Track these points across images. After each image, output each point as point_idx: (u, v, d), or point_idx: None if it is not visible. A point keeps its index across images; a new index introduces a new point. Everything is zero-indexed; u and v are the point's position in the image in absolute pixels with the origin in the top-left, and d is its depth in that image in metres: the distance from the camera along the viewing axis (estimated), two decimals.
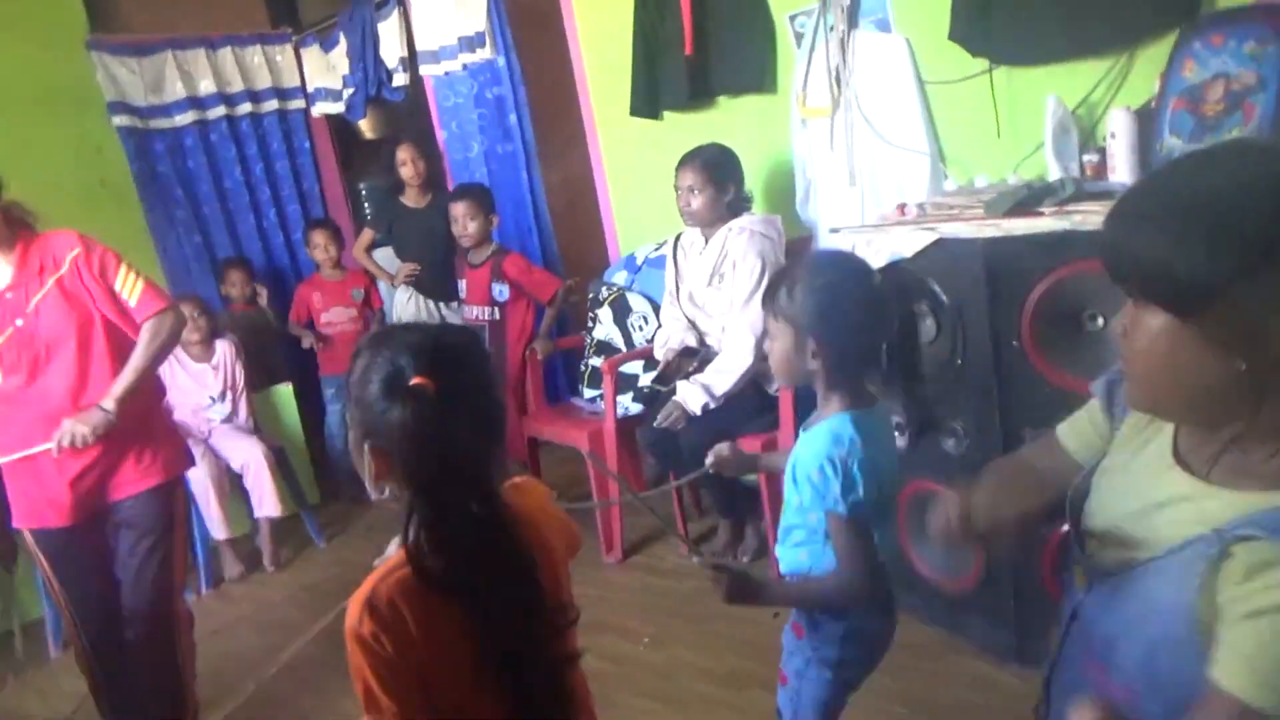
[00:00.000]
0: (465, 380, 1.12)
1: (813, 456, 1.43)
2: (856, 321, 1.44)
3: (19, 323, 2.14)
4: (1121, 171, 2.21)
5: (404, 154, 4.09)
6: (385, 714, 1.13)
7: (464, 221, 3.62)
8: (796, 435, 2.79)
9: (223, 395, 3.80)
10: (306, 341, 4.25)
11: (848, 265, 1.55)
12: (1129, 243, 0.83)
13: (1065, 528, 1.05)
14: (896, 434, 2.33)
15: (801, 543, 1.51)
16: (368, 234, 4.39)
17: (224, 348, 3.83)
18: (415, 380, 1.07)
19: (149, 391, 2.31)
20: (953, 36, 2.52)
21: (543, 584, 1.17)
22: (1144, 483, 0.94)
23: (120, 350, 2.24)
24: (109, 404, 2.16)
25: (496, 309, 3.73)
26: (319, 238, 4.30)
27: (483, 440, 1.14)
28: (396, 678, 1.11)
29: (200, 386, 3.77)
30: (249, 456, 3.64)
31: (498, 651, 1.12)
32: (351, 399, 1.14)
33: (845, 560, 1.43)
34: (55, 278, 2.15)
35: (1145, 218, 0.83)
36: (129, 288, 2.20)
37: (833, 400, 1.48)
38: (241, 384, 3.84)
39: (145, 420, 2.29)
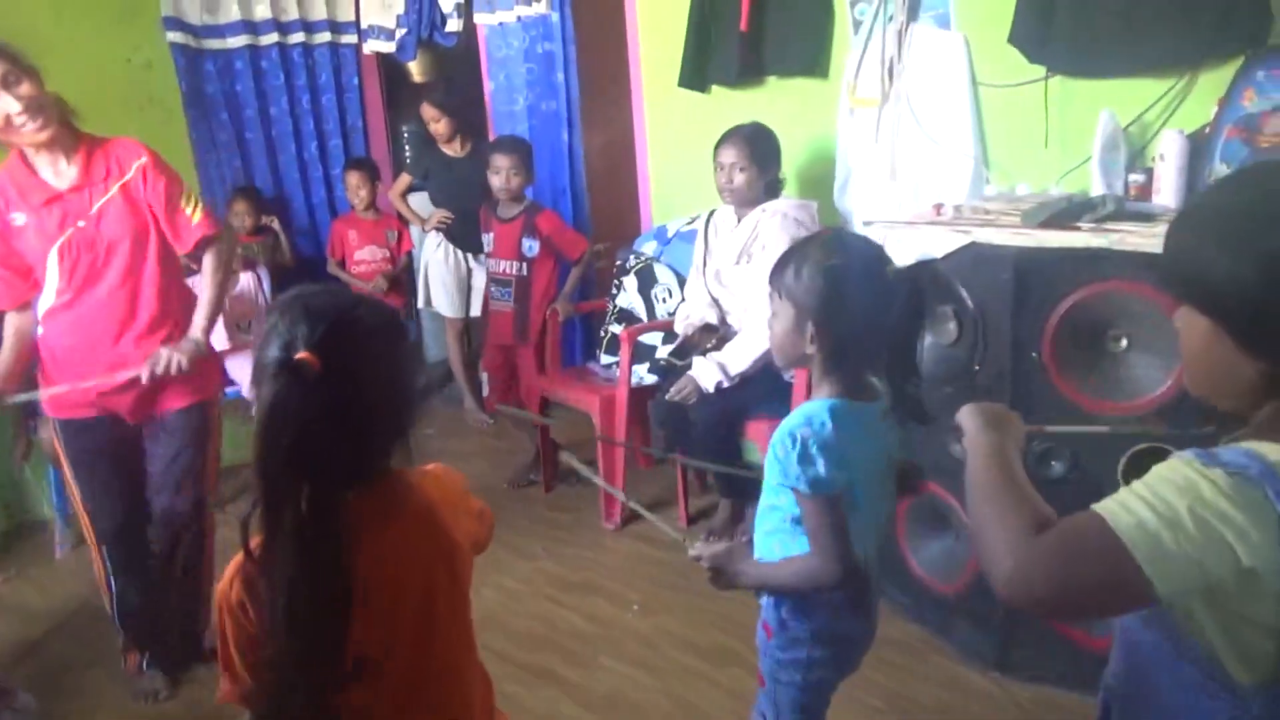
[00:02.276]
0: (365, 363, 1.04)
1: (779, 430, 1.38)
2: (859, 311, 1.36)
3: (81, 224, 2.14)
4: (1166, 194, 2.18)
5: (428, 113, 4.11)
6: (239, 683, 1.08)
7: (508, 174, 3.60)
8: None
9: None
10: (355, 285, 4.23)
11: (859, 251, 1.42)
12: (1174, 249, 0.92)
13: None
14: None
15: (773, 530, 1.45)
16: (405, 178, 4.40)
17: (247, 280, 3.83)
18: (300, 355, 0.98)
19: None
20: (1013, 40, 2.48)
21: (351, 612, 1.03)
22: None
23: (168, 265, 2.28)
24: (199, 335, 2.26)
25: (525, 264, 3.74)
26: (353, 179, 4.32)
27: (370, 428, 1.05)
28: (252, 651, 1.06)
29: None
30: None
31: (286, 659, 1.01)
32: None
33: (813, 539, 1.36)
34: (120, 184, 2.16)
35: (1189, 226, 0.91)
36: (191, 206, 2.25)
37: (824, 388, 1.42)
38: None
39: None
